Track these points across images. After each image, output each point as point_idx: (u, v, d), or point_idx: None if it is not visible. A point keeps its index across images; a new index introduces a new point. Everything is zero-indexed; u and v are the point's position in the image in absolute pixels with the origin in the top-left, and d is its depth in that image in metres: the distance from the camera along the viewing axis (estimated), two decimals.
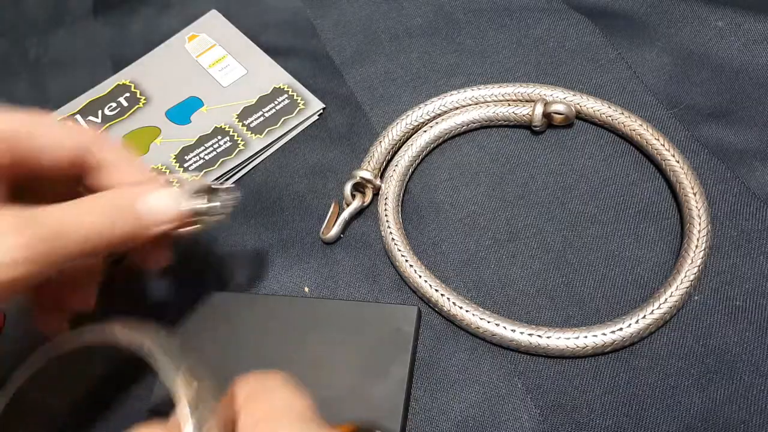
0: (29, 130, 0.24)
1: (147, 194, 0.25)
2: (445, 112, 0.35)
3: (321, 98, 0.38)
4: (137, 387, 0.30)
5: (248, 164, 0.37)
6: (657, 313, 0.28)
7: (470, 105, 0.35)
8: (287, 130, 0.38)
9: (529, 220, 0.32)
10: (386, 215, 0.33)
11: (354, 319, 0.30)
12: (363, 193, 0.34)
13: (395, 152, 0.35)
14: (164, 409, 0.29)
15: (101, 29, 0.46)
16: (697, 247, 0.29)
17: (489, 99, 0.35)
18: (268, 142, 0.37)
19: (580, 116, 0.34)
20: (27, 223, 0.21)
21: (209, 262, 0.34)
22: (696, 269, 0.28)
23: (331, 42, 0.41)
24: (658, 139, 0.32)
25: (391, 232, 0.32)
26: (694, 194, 0.30)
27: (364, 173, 0.33)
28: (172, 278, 0.34)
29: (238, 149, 0.37)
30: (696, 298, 0.29)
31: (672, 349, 0.28)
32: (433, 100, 0.36)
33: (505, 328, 0.29)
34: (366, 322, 0.30)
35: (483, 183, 0.34)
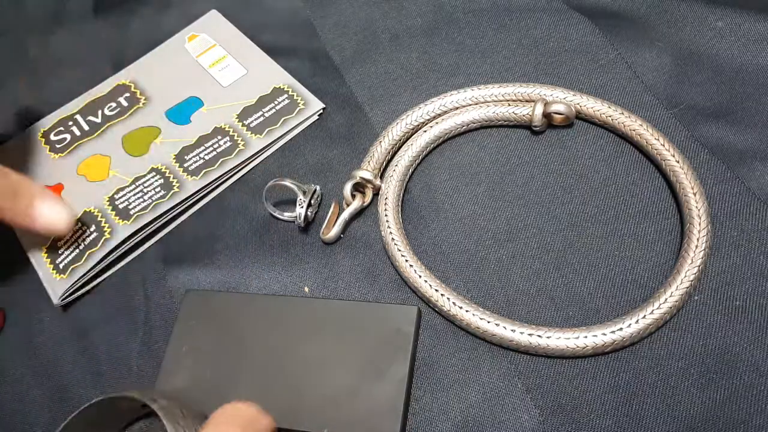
0: None
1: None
2: (445, 112, 0.35)
3: (321, 98, 0.38)
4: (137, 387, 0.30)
5: (248, 164, 0.37)
6: (657, 313, 0.28)
7: (470, 105, 0.35)
8: (287, 130, 0.37)
9: (529, 220, 0.32)
10: (386, 215, 0.33)
11: (354, 319, 0.30)
12: (363, 193, 0.34)
13: (395, 152, 0.35)
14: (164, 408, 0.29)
15: (101, 29, 0.46)
16: (697, 247, 0.29)
17: (489, 99, 0.35)
18: (268, 142, 0.37)
19: (580, 116, 0.34)
20: None
21: (210, 262, 0.34)
22: (696, 269, 0.28)
23: (331, 42, 0.41)
24: (658, 139, 0.32)
25: (391, 232, 0.32)
26: (694, 194, 0.30)
27: (364, 173, 0.33)
28: (173, 276, 0.34)
29: (238, 149, 0.37)
30: (696, 298, 0.29)
31: (672, 349, 0.28)
32: (433, 100, 0.36)
33: (505, 328, 0.29)
34: (366, 322, 0.30)
35: (483, 183, 0.34)
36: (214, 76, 0.40)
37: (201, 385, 0.30)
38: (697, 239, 0.29)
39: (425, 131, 0.35)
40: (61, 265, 0.34)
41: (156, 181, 0.36)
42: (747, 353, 0.27)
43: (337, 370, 0.29)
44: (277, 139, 0.37)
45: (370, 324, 0.30)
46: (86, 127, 0.40)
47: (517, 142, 0.35)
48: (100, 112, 0.40)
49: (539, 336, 0.28)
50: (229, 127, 0.38)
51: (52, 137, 0.40)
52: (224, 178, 0.36)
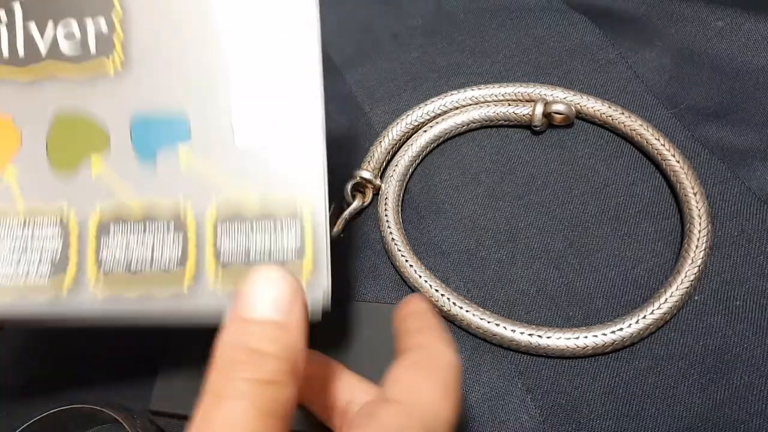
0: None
1: None
2: (445, 112, 0.35)
3: None
4: (136, 387, 0.30)
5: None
6: (657, 314, 0.28)
7: (470, 105, 0.35)
8: None
9: (530, 220, 0.32)
10: (386, 215, 0.33)
11: (354, 319, 0.30)
12: (363, 193, 0.34)
13: (395, 152, 0.35)
14: (165, 409, 0.30)
15: None
16: (697, 247, 0.29)
17: (489, 99, 0.35)
18: None
19: (580, 116, 0.34)
20: None
21: None
22: (696, 269, 0.28)
23: (331, 42, 0.41)
24: (658, 139, 0.32)
25: (391, 232, 0.32)
26: (694, 194, 0.30)
27: (364, 173, 0.33)
28: None
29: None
30: (696, 298, 0.29)
31: (672, 349, 0.28)
32: (433, 100, 0.36)
33: (505, 328, 0.29)
34: (366, 322, 0.30)
35: (483, 183, 0.34)
36: None
37: (200, 385, 0.30)
38: (698, 239, 0.29)
39: (425, 131, 0.35)
40: None
41: (51, 241, 0.20)
42: (747, 353, 0.27)
43: None
44: None
45: (370, 324, 0.30)
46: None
47: (518, 141, 0.35)
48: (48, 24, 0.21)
49: (539, 336, 0.28)
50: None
51: None
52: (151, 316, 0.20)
